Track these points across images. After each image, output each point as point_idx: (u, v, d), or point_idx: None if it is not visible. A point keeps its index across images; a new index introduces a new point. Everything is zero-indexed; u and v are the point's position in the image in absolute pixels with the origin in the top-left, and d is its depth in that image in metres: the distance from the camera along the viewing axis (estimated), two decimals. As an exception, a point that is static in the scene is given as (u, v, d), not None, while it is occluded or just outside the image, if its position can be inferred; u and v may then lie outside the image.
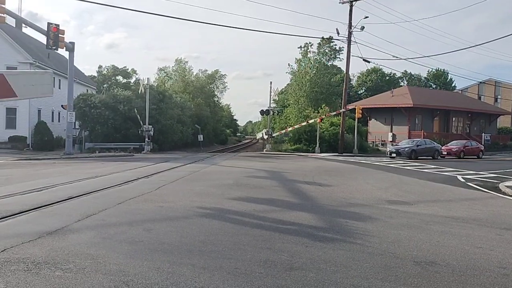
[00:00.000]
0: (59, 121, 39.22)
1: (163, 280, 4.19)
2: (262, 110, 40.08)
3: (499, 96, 61.90)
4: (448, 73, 73.30)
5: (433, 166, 21.88)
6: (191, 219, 7.30)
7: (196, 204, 8.79)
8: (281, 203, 9.36)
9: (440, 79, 74.08)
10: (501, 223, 7.81)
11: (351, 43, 33.79)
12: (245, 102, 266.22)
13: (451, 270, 4.85)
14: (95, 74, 70.46)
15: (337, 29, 40.48)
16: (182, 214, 7.69)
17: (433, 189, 13.21)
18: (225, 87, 65.52)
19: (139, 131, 32.34)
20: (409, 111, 40.99)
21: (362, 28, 33.08)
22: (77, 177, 13.30)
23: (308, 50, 47.76)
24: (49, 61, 37.48)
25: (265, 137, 38.61)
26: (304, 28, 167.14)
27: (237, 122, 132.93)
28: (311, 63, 48.47)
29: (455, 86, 73.22)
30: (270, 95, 39.79)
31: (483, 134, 45.39)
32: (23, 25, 32.90)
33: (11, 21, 32.12)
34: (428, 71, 74.13)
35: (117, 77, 71.30)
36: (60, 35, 23.91)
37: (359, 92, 69.39)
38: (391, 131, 42.61)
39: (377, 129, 44.50)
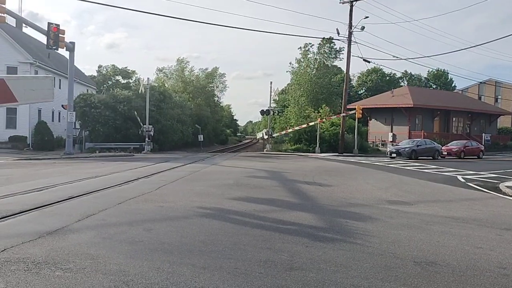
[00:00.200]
0: (59, 121, 39.22)
1: (163, 280, 4.18)
2: (262, 110, 40.13)
3: (499, 96, 61.92)
4: (448, 73, 73.38)
5: (433, 166, 21.88)
6: (191, 219, 7.30)
7: (196, 204, 8.79)
8: (281, 203, 9.36)
9: (440, 79, 74.07)
10: (501, 223, 7.81)
11: (351, 43, 33.83)
12: (245, 102, 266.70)
13: (451, 270, 4.85)
14: (95, 74, 70.40)
15: (337, 29, 40.60)
16: (182, 214, 7.68)
17: (433, 189, 13.20)
18: (225, 87, 65.34)
19: (139, 131, 32.36)
20: (409, 111, 40.99)
21: (362, 28, 33.11)
22: (77, 177, 13.31)
23: (308, 50, 47.74)
24: (49, 61, 37.48)
25: (265, 137, 38.62)
26: (304, 28, 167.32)
27: (237, 122, 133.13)
28: (312, 63, 48.43)
29: (455, 86, 73.25)
30: (270, 95, 39.90)
31: (483, 134, 45.38)
32: (24, 25, 32.86)
33: (11, 21, 32.18)
34: (428, 71, 74.31)
35: (117, 77, 71.24)
36: (60, 35, 23.93)
37: (359, 92, 69.38)
38: (391, 131, 42.60)
39: (377, 129, 44.49)
